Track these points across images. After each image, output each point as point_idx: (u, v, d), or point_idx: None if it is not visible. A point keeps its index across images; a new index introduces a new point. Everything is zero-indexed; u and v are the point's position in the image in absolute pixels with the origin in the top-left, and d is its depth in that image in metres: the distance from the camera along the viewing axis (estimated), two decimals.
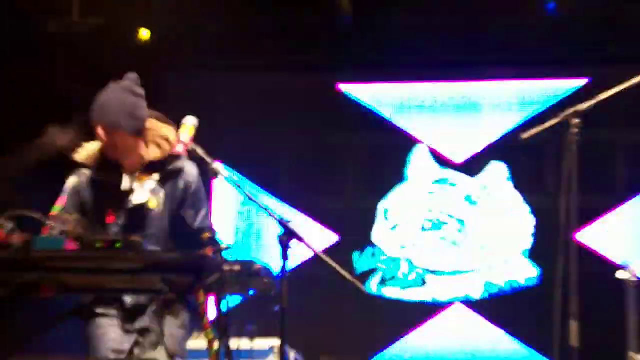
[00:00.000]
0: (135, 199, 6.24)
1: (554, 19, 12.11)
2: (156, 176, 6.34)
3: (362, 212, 12.66)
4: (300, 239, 5.77)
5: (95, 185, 6.34)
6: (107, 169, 6.35)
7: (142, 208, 6.25)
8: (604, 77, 9.26)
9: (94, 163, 6.31)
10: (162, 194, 6.29)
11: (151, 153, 6.32)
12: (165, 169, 6.38)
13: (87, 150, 6.36)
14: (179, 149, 6.20)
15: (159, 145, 6.36)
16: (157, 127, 6.29)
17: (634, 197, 12.09)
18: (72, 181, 6.33)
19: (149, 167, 6.34)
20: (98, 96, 6.20)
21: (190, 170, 6.40)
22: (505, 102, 12.75)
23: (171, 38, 12.19)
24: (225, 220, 11.85)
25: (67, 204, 6.15)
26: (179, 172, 6.41)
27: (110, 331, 6.18)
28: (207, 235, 5.97)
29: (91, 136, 6.23)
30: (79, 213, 6.13)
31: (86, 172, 6.30)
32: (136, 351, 6.22)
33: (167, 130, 6.29)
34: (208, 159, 5.97)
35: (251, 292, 6.00)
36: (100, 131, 6.09)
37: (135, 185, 6.36)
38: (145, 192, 6.32)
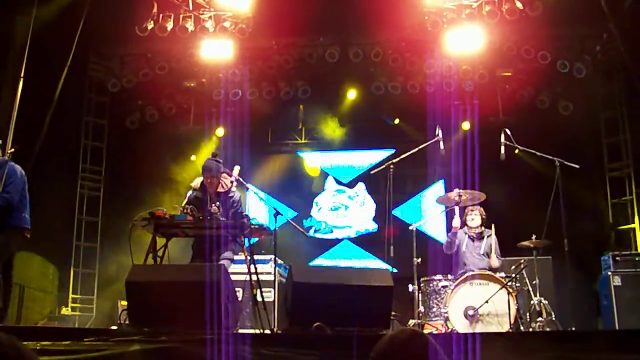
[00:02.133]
0: (212, 208, 7.51)
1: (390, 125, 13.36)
2: (218, 199, 7.61)
3: (306, 203, 13.47)
4: (281, 214, 7.64)
5: (197, 197, 7.69)
6: (203, 191, 7.70)
7: (213, 212, 7.44)
8: (401, 149, 9.23)
9: (198, 188, 7.72)
10: (220, 207, 7.53)
11: (219, 188, 7.64)
12: (225, 195, 7.64)
13: (195, 182, 7.76)
14: (232, 178, 7.62)
15: (222, 186, 7.66)
16: (223, 177, 7.70)
17: (414, 196, 12.95)
18: (190, 194, 7.73)
19: (218, 194, 7.66)
20: (206, 162, 7.70)
21: (234, 195, 7.69)
22: (365, 159, 13.53)
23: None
24: (253, 208, 12.30)
25: (190, 197, 7.64)
26: (229, 197, 7.67)
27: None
28: (245, 214, 7.26)
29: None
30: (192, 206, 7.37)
31: (195, 190, 7.74)
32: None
33: (226, 179, 7.71)
34: (244, 182, 7.86)
35: (262, 237, 7.76)
36: (208, 177, 7.58)
37: (214, 201, 7.61)
38: (214, 206, 7.53)
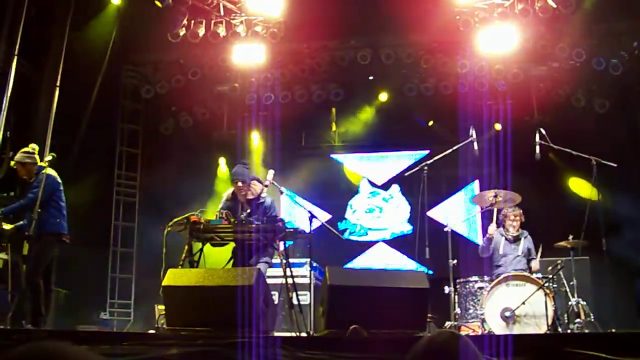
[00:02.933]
0: (242, 215, 7.48)
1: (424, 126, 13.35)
2: (249, 206, 7.69)
3: (341, 205, 13.47)
4: (316, 217, 7.56)
5: (230, 202, 7.82)
6: (234, 197, 7.82)
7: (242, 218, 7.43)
8: (435, 150, 9.39)
9: (230, 197, 7.86)
10: (251, 214, 7.55)
11: (249, 195, 7.75)
12: (255, 202, 7.72)
13: (228, 192, 7.89)
14: (266, 182, 7.63)
15: (252, 193, 7.75)
16: (253, 184, 7.81)
17: (448, 197, 12.87)
18: (224, 200, 7.88)
19: (248, 201, 7.74)
20: (235, 168, 7.86)
21: (265, 200, 7.72)
22: (399, 161, 13.48)
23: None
24: (287, 211, 12.24)
25: (223, 207, 7.70)
26: (260, 203, 7.73)
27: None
28: (280, 218, 7.34)
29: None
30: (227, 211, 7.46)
31: (227, 200, 7.87)
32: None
33: (256, 186, 7.79)
34: (278, 186, 7.84)
35: (296, 240, 8.05)
36: (237, 182, 7.68)
37: (244, 209, 7.67)
38: (245, 214, 7.54)
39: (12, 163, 7.82)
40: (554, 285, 7.97)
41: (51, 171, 7.72)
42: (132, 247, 13.16)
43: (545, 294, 7.53)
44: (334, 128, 13.85)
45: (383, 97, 13.19)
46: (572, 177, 11.74)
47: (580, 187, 11.58)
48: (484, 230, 9.64)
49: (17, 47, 9.97)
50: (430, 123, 13.32)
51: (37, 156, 7.81)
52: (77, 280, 11.16)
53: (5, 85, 9.81)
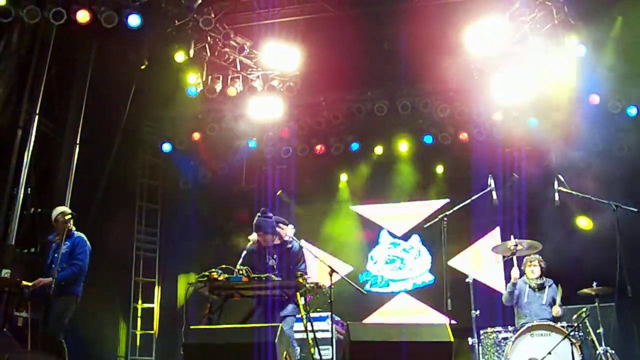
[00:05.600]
0: (269, 262, 7.55)
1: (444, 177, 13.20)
2: (275, 252, 7.61)
3: (362, 257, 13.30)
4: (336, 272, 7.44)
5: (254, 253, 7.66)
6: (259, 247, 7.67)
7: (270, 265, 7.51)
8: (454, 200, 9.59)
9: (254, 244, 7.67)
10: (278, 259, 7.55)
11: (275, 240, 7.64)
12: (282, 247, 7.65)
13: (252, 239, 7.65)
14: (287, 238, 7.59)
15: (279, 238, 7.67)
16: (279, 226, 7.67)
17: (469, 246, 12.57)
18: (247, 250, 7.64)
19: (275, 246, 7.66)
20: (256, 220, 7.61)
21: (292, 245, 7.63)
22: (419, 211, 13.32)
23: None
24: (308, 266, 12.52)
25: (243, 262, 7.43)
26: (287, 249, 7.65)
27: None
28: (300, 272, 7.19)
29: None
30: (248, 265, 7.30)
31: (251, 247, 7.68)
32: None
33: (282, 229, 7.70)
34: (298, 241, 7.72)
35: (317, 295, 7.62)
36: (261, 235, 7.56)
37: (271, 254, 7.60)
38: (272, 259, 7.56)
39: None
40: (580, 334, 7.79)
41: (83, 235, 7.84)
42: (152, 302, 13.08)
43: (572, 344, 7.36)
44: (347, 178, 13.82)
45: (402, 147, 13.19)
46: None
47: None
48: (507, 279, 9.47)
49: (39, 105, 10.13)
50: (440, 171, 13.32)
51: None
52: (97, 336, 11.09)
53: (27, 143, 9.94)
